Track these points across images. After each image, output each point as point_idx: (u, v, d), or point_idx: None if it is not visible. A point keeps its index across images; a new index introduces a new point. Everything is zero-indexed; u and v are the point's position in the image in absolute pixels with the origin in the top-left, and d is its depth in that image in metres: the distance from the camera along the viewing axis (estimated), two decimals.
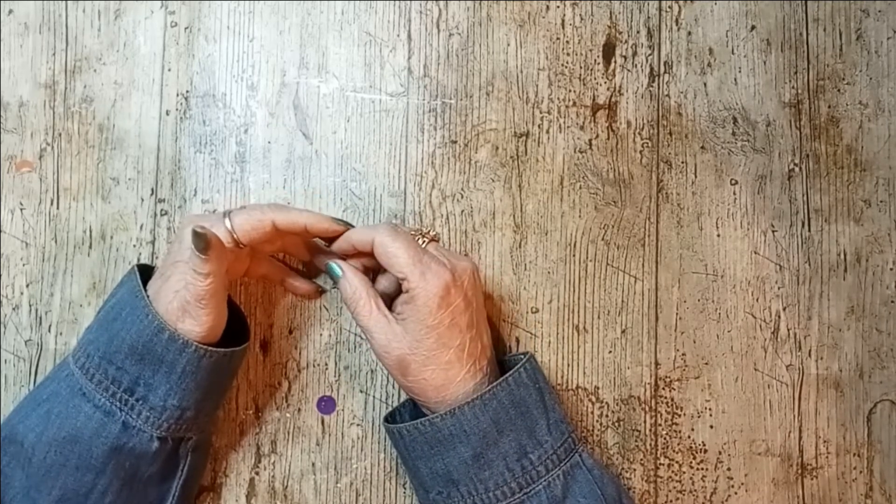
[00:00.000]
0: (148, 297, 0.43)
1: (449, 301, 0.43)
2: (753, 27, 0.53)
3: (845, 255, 0.52)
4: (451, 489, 0.43)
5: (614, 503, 0.44)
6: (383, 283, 0.48)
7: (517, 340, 0.52)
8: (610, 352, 0.51)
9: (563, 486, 0.43)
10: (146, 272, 0.46)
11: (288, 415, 0.51)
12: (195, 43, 0.53)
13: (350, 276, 0.45)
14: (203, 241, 0.41)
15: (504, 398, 0.43)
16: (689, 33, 0.53)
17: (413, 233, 0.45)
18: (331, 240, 0.48)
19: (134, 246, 0.52)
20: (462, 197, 0.52)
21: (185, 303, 0.43)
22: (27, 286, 0.52)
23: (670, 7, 0.53)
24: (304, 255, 0.50)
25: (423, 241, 0.45)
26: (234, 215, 0.44)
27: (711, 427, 0.51)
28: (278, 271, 0.50)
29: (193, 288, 0.42)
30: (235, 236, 0.44)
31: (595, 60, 0.53)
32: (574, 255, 0.52)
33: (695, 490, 0.51)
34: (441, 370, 0.43)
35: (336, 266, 0.46)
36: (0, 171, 0.52)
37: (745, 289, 0.52)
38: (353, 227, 0.47)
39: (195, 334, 0.43)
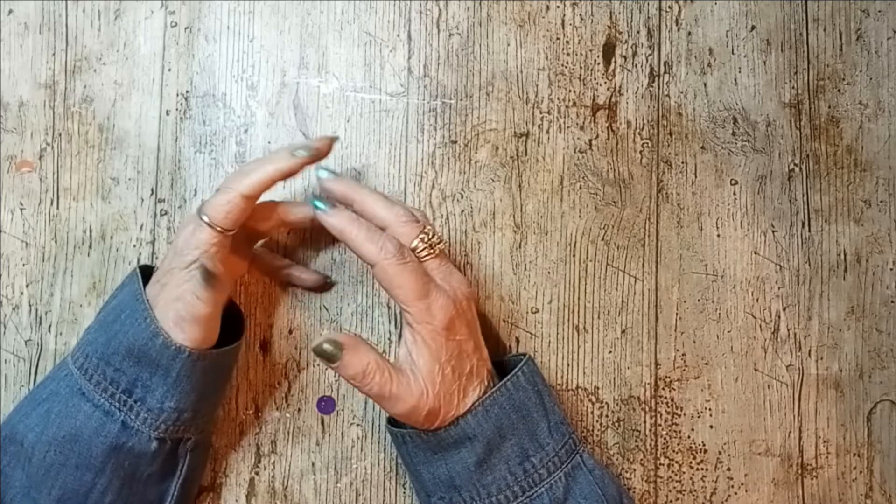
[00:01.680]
0: (148, 300, 0.43)
1: (455, 332, 0.42)
2: (753, 27, 0.53)
3: (845, 255, 0.52)
4: (452, 494, 0.43)
5: (615, 503, 0.44)
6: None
7: (517, 340, 0.51)
8: (610, 352, 0.51)
9: (564, 487, 0.43)
10: (147, 272, 0.46)
11: (288, 415, 0.51)
12: (195, 43, 0.53)
13: (355, 347, 0.41)
14: (207, 275, 0.41)
15: (504, 402, 0.43)
16: (689, 33, 0.53)
17: (420, 237, 0.43)
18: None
19: (134, 246, 0.52)
20: (462, 197, 0.52)
21: (180, 317, 0.42)
22: (27, 286, 0.52)
23: (670, 7, 0.53)
24: (305, 222, 0.48)
25: (429, 254, 0.43)
26: (205, 208, 0.43)
27: (711, 427, 0.51)
28: (281, 265, 0.50)
29: (191, 307, 0.42)
30: (218, 228, 0.43)
31: (595, 60, 0.53)
32: (574, 255, 0.52)
33: (695, 490, 0.51)
34: (462, 399, 0.42)
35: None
36: (0, 171, 0.52)
37: (745, 289, 0.52)
38: (334, 137, 0.45)
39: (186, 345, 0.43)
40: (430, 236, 0.43)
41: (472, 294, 0.45)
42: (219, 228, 0.43)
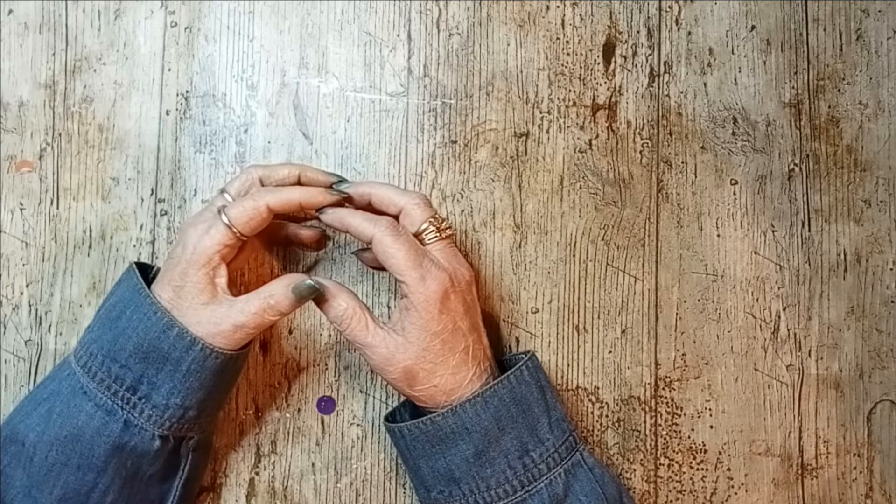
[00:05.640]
0: (153, 295, 0.43)
1: (449, 306, 0.43)
2: (753, 27, 0.53)
3: (845, 255, 0.52)
4: (452, 487, 0.43)
5: (615, 502, 0.44)
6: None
7: (517, 340, 0.52)
8: (610, 352, 0.51)
9: (564, 484, 0.43)
10: (141, 268, 0.46)
11: (288, 415, 0.51)
12: (195, 43, 0.53)
13: (336, 293, 0.44)
14: (317, 294, 0.43)
15: (505, 395, 0.43)
16: (689, 33, 0.53)
17: (430, 220, 0.44)
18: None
19: (134, 246, 0.52)
20: (462, 197, 0.52)
21: (236, 327, 0.43)
22: (27, 286, 0.52)
23: (670, 7, 0.53)
24: (309, 241, 0.51)
25: (436, 236, 0.44)
26: (228, 210, 0.44)
27: (711, 427, 0.51)
28: (279, 228, 0.50)
29: (260, 320, 0.43)
30: (236, 231, 0.44)
31: (595, 60, 0.53)
32: (574, 255, 0.52)
33: (695, 490, 0.51)
34: (450, 375, 0.43)
35: (313, 282, 0.44)
36: (0, 171, 0.52)
37: (745, 289, 0.52)
38: (345, 182, 0.47)
39: (218, 346, 0.43)
40: (440, 221, 0.45)
41: (473, 280, 0.46)
42: (235, 230, 0.43)
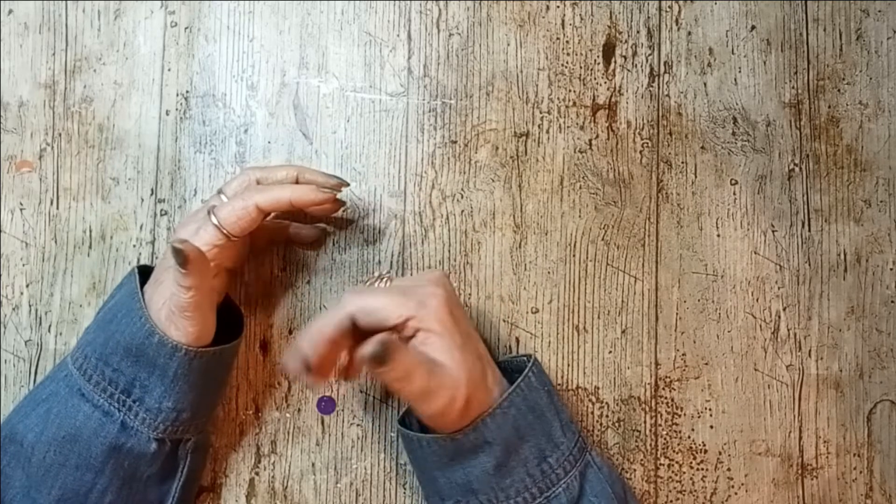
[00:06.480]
0: (144, 300, 0.43)
1: (455, 312, 0.42)
2: (753, 27, 0.53)
3: (845, 255, 0.52)
4: (469, 498, 0.42)
5: (622, 501, 0.44)
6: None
7: (517, 340, 0.51)
8: (610, 352, 0.51)
9: (579, 486, 0.43)
10: (146, 273, 0.46)
11: (288, 415, 0.51)
12: (195, 43, 0.53)
13: (398, 344, 0.37)
14: (181, 257, 0.39)
15: (521, 404, 0.42)
16: (689, 33, 0.53)
17: (368, 280, 0.47)
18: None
19: (134, 246, 0.52)
20: (462, 197, 0.52)
21: (171, 312, 0.42)
22: (27, 286, 0.52)
23: (670, 7, 0.53)
24: (310, 240, 0.51)
25: (387, 282, 0.45)
26: (218, 210, 0.43)
27: (711, 427, 0.51)
28: (280, 228, 0.50)
29: (177, 299, 0.42)
30: (225, 231, 0.43)
31: (595, 60, 0.53)
32: (574, 255, 0.52)
33: (695, 490, 0.51)
34: (484, 385, 0.42)
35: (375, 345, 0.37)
36: (0, 171, 0.52)
37: (745, 289, 0.52)
38: (344, 182, 0.47)
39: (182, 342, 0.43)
40: (374, 276, 0.47)
41: (446, 273, 0.47)
42: (225, 231, 0.43)
